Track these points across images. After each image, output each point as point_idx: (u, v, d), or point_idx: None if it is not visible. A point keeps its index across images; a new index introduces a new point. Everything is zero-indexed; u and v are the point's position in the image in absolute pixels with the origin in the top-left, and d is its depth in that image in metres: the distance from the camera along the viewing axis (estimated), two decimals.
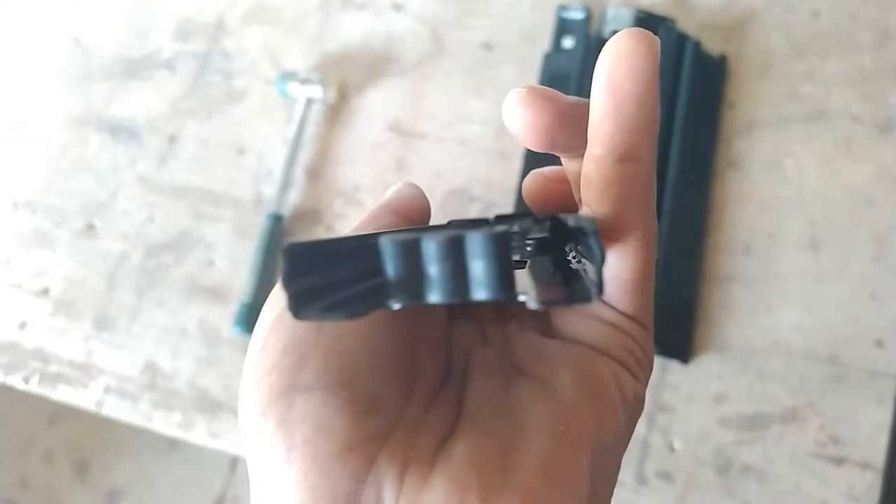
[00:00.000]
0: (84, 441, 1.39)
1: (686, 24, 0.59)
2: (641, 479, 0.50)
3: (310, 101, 0.61)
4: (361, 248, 0.18)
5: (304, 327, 0.20)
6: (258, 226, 0.58)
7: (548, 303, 0.18)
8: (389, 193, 0.25)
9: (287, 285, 0.17)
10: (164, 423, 0.54)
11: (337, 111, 0.62)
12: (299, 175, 0.60)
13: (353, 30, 0.64)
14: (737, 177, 0.55)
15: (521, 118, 0.19)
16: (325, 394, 0.19)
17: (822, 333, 0.51)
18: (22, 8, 0.69)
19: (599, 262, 0.17)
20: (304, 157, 0.61)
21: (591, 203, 0.20)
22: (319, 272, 0.18)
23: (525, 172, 0.56)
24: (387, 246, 0.18)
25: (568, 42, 0.60)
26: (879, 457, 0.48)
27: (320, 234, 0.58)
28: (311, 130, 0.61)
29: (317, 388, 0.19)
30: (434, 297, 0.18)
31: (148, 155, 0.62)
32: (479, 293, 0.18)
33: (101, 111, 0.65)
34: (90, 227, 0.61)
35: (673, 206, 0.53)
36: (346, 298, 0.18)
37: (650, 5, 0.60)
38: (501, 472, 0.18)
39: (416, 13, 0.64)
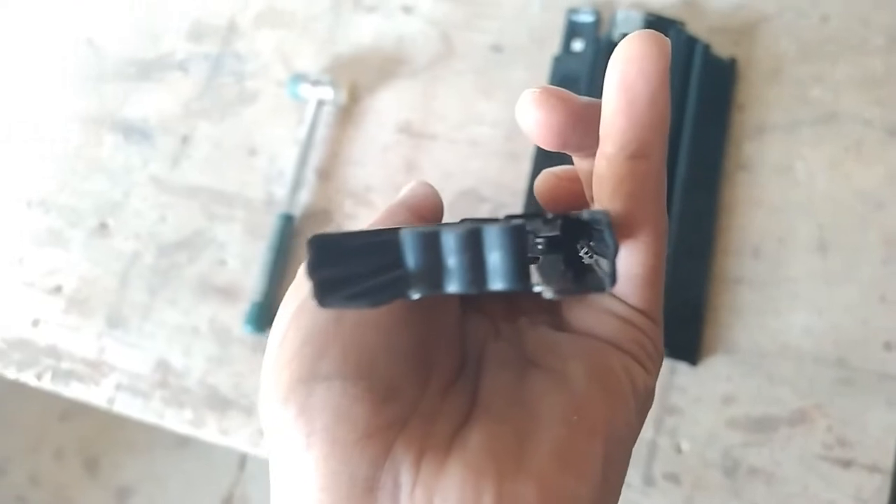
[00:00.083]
0: (94, 438, 1.40)
1: (696, 28, 0.59)
2: (649, 481, 0.50)
3: (321, 103, 0.61)
4: (383, 240, 0.19)
5: (324, 319, 0.20)
6: (269, 226, 0.59)
7: (563, 292, 0.19)
8: (404, 192, 0.25)
9: (312, 274, 0.18)
10: (176, 421, 0.55)
11: (348, 113, 0.62)
12: (310, 176, 0.61)
13: (364, 32, 0.64)
14: (746, 179, 0.56)
15: (534, 118, 0.20)
16: (344, 383, 0.19)
17: (831, 336, 0.51)
18: (36, 9, 0.70)
19: (613, 253, 0.18)
20: (315, 157, 0.61)
21: (603, 200, 0.20)
22: (342, 263, 0.18)
23: (535, 173, 0.57)
24: (407, 238, 0.19)
25: (577, 45, 0.60)
26: (888, 460, 0.48)
27: None
28: (322, 132, 0.62)
29: (336, 378, 0.19)
30: (452, 286, 0.19)
31: (161, 155, 0.63)
32: (496, 283, 0.18)
33: (114, 112, 0.65)
34: (103, 227, 0.62)
35: (682, 208, 0.53)
36: (368, 288, 0.18)
37: (660, 8, 0.61)
38: (516, 458, 0.19)
39: (426, 15, 0.64)
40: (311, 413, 0.19)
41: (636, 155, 0.19)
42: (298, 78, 0.61)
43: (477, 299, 0.25)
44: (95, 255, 0.61)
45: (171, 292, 0.59)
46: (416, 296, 0.19)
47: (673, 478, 0.50)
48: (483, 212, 0.57)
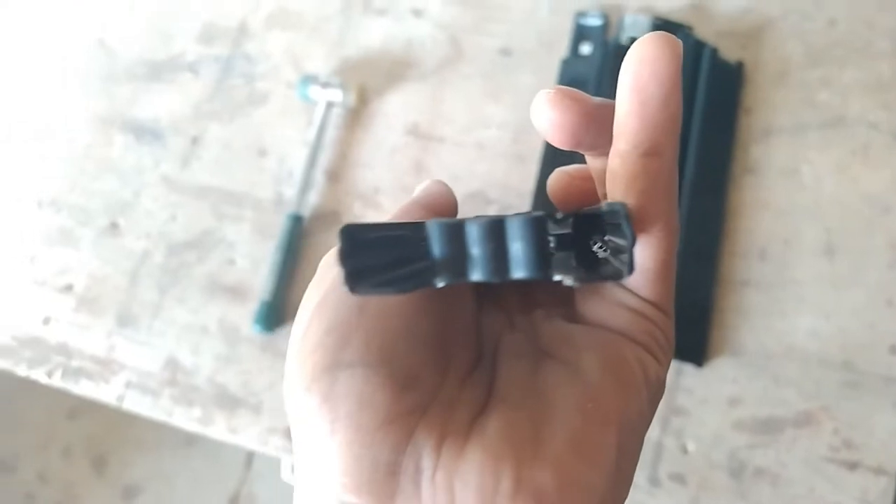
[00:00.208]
0: (102, 437, 1.41)
1: (704, 32, 0.59)
2: (655, 482, 0.50)
3: (330, 105, 0.62)
4: (410, 231, 0.20)
5: (346, 310, 0.21)
6: (278, 226, 0.59)
7: (582, 280, 0.20)
8: (419, 190, 0.26)
9: (343, 263, 0.19)
10: (184, 418, 0.55)
11: (357, 115, 0.63)
12: (319, 177, 0.61)
13: (374, 35, 0.65)
14: (753, 182, 0.56)
15: (548, 118, 0.20)
16: (366, 370, 0.20)
17: (837, 339, 0.51)
18: (47, 11, 0.71)
19: (631, 243, 0.19)
20: (325, 159, 0.62)
21: (617, 196, 0.21)
22: (372, 252, 0.19)
23: (542, 176, 0.57)
24: (434, 229, 0.20)
25: (585, 48, 0.61)
26: (894, 462, 0.48)
27: None
28: (331, 133, 0.62)
29: (359, 366, 0.20)
30: (476, 275, 0.19)
31: (171, 156, 0.64)
32: (518, 272, 0.19)
33: (125, 112, 0.66)
34: (114, 226, 0.62)
35: (689, 210, 0.54)
36: (396, 276, 0.19)
37: (668, 12, 0.61)
38: (533, 445, 0.19)
39: (435, 19, 0.65)
40: (335, 400, 0.20)
41: (649, 153, 0.20)
42: (308, 80, 0.62)
43: (492, 293, 0.26)
44: (106, 254, 0.61)
45: (181, 291, 0.59)
46: (441, 284, 0.19)
47: (679, 478, 0.50)
48: (490, 213, 0.58)
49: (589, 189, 0.24)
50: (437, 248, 0.20)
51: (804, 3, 0.60)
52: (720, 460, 0.50)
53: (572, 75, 0.60)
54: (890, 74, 0.57)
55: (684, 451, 0.50)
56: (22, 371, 0.59)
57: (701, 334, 0.52)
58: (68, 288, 0.61)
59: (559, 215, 0.20)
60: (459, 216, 0.26)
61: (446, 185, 0.26)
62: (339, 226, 0.60)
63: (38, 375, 0.58)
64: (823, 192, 0.55)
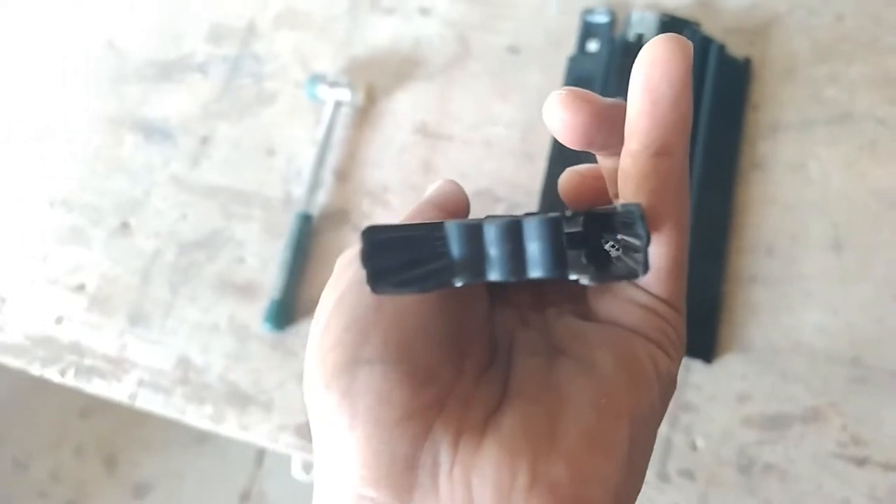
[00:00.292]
0: (113, 436, 1.42)
1: (711, 28, 0.59)
2: (664, 477, 0.50)
3: (338, 104, 0.62)
4: (429, 231, 0.20)
5: (364, 309, 0.21)
6: (287, 225, 0.60)
7: (598, 279, 0.20)
8: (432, 189, 0.26)
9: (365, 263, 0.19)
10: (196, 416, 0.56)
11: (365, 114, 0.63)
12: (328, 176, 0.62)
13: (381, 34, 0.65)
14: (760, 178, 0.56)
15: (560, 119, 0.21)
16: (385, 367, 0.20)
17: (845, 334, 0.51)
18: (57, 11, 0.72)
19: (646, 242, 0.19)
20: (333, 158, 0.62)
21: (628, 195, 0.21)
22: (392, 253, 0.20)
23: (549, 173, 0.57)
24: (452, 230, 0.20)
25: (592, 45, 0.61)
26: None
27: (348, 233, 0.60)
28: (339, 132, 0.63)
29: (377, 362, 0.20)
30: (494, 275, 0.20)
31: (181, 155, 0.64)
32: (535, 271, 0.20)
33: (134, 112, 0.67)
34: (125, 226, 0.63)
35: (697, 206, 0.54)
36: (416, 276, 0.20)
37: (675, 9, 0.61)
38: (548, 440, 0.20)
39: (442, 17, 0.65)
40: (354, 396, 0.20)
41: (660, 153, 0.20)
42: (316, 79, 0.62)
43: (505, 291, 0.26)
44: (117, 253, 0.62)
45: (192, 290, 0.60)
46: (459, 283, 0.20)
47: (688, 474, 0.50)
48: (498, 212, 0.58)
49: (600, 188, 0.24)
50: (455, 248, 0.20)
51: None
52: (729, 456, 0.50)
53: (579, 72, 0.60)
54: None
55: (693, 447, 0.50)
56: (35, 370, 0.59)
57: (709, 331, 0.52)
58: (80, 287, 0.61)
59: (569, 213, 0.21)
60: (470, 215, 0.26)
61: (458, 185, 0.27)
62: (348, 224, 0.60)
63: (51, 374, 0.59)
64: (831, 188, 0.55)
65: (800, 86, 0.58)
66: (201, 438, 1.37)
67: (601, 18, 0.61)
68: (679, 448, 0.51)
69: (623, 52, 0.57)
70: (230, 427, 0.55)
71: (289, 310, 0.57)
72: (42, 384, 0.61)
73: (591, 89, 0.21)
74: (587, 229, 0.20)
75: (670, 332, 0.23)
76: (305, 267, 0.59)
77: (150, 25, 0.69)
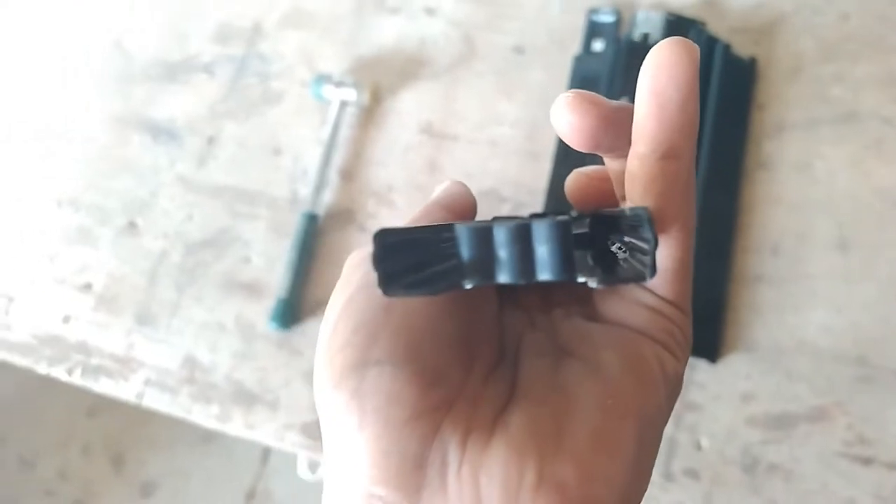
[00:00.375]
0: (120, 435, 1.43)
1: (716, 27, 0.59)
2: (668, 477, 0.50)
3: (344, 104, 0.62)
4: (439, 234, 0.21)
5: (373, 310, 0.22)
6: (293, 224, 0.60)
7: (606, 282, 0.20)
8: (439, 191, 0.26)
9: (377, 266, 0.19)
10: (203, 415, 0.56)
11: (370, 113, 0.63)
12: (333, 175, 0.62)
13: (387, 33, 0.65)
14: (766, 178, 0.56)
15: (568, 122, 0.21)
16: (394, 367, 0.21)
17: (850, 334, 0.51)
18: (64, 12, 0.72)
19: (653, 246, 0.19)
20: (339, 158, 0.62)
21: (635, 198, 0.21)
22: (403, 255, 0.20)
23: (555, 173, 0.57)
24: (462, 232, 0.20)
25: (598, 45, 0.61)
26: None
27: (353, 233, 0.60)
28: (345, 132, 0.63)
29: (386, 363, 0.21)
30: (503, 277, 0.20)
31: (187, 155, 0.64)
32: (544, 274, 0.20)
33: (141, 112, 0.67)
34: (132, 225, 0.63)
35: (702, 206, 0.54)
36: (426, 278, 0.20)
37: (680, 8, 0.61)
38: (555, 439, 0.20)
39: (448, 17, 0.65)
40: (364, 397, 0.20)
41: (667, 156, 0.20)
42: (322, 79, 0.62)
43: (513, 293, 0.26)
44: (124, 253, 0.62)
45: (198, 290, 0.60)
46: (469, 285, 0.20)
47: (692, 474, 0.50)
48: (503, 211, 0.58)
49: (606, 190, 0.24)
50: (465, 250, 0.21)
51: None
52: (733, 456, 0.50)
53: (585, 72, 0.60)
54: None
55: (698, 446, 0.51)
56: (42, 369, 0.60)
57: (714, 330, 0.52)
58: (87, 287, 0.62)
59: (574, 213, 0.21)
60: (480, 214, 0.26)
61: (465, 186, 0.27)
62: (354, 224, 0.60)
63: (59, 373, 0.59)
64: (836, 187, 0.55)
65: (805, 85, 0.58)
66: (207, 437, 1.38)
67: (607, 18, 0.61)
68: (683, 447, 0.51)
69: (629, 52, 0.57)
70: (236, 426, 0.56)
71: (295, 309, 0.57)
72: (49, 383, 0.61)
73: (596, 89, 0.21)
74: (594, 231, 0.20)
75: (676, 334, 0.23)
76: (311, 266, 0.59)
77: (157, 26, 0.70)
